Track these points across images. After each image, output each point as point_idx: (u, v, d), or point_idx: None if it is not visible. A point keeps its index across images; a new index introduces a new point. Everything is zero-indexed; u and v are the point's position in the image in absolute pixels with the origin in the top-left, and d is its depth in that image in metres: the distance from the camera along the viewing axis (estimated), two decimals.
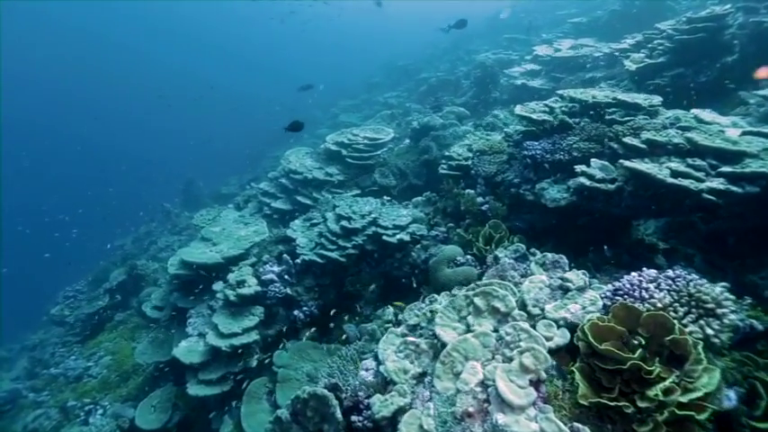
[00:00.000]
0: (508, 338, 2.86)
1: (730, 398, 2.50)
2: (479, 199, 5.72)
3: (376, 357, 3.77)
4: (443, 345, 3.17)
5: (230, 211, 8.12)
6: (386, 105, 15.56)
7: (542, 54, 11.24)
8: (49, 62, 49.36)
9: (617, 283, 3.03)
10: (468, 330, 3.16)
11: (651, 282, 2.91)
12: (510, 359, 2.70)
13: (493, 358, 2.82)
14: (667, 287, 2.82)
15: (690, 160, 3.90)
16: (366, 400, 3.32)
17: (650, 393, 2.26)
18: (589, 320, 2.64)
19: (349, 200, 6.52)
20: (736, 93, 6.12)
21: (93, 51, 51.02)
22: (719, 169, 3.72)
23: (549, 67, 10.96)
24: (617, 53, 8.95)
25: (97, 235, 15.82)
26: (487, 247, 4.87)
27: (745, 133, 4.31)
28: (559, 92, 6.04)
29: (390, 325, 4.56)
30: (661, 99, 5.36)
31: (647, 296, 2.81)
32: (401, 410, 2.95)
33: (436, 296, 4.17)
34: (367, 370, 3.80)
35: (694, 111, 5.16)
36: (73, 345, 8.51)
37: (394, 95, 16.70)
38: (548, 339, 2.80)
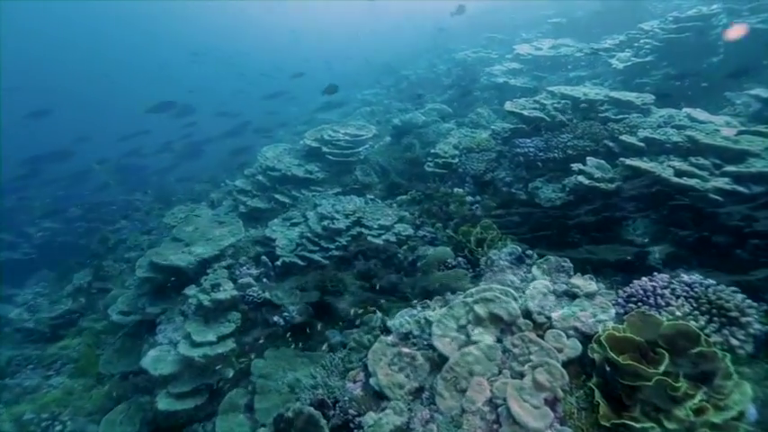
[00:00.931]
0: (516, 351, 2.61)
1: (751, 412, 2.33)
2: (469, 198, 5.50)
3: (364, 368, 3.49)
4: (442, 357, 2.91)
5: (204, 210, 7.67)
6: (364, 102, 15.26)
7: (523, 53, 11.17)
8: (47, 62, 48.44)
9: (629, 289, 2.82)
10: (469, 341, 2.90)
11: (665, 287, 2.72)
12: (520, 374, 2.46)
13: (500, 373, 2.57)
14: (684, 293, 2.63)
15: (693, 159, 3.76)
16: (357, 419, 3.02)
17: (680, 413, 2.05)
18: (606, 331, 2.42)
19: (331, 198, 6.21)
20: (722, 93, 6.12)
21: (92, 51, 50.26)
22: (724, 168, 3.59)
23: (530, 66, 10.89)
24: (601, 53, 8.90)
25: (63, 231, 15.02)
26: (479, 249, 4.65)
27: (741, 132, 4.21)
28: (550, 88, 5.88)
29: (378, 332, 4.28)
30: (653, 97, 5.27)
31: (663, 303, 2.62)
32: (398, 431, 2.67)
33: (429, 302, 3.92)
34: (355, 382, 3.53)
35: (686, 110, 5.07)
36: (31, 352, 7.92)
37: (372, 93, 16.41)
38: (558, 351, 2.56)
